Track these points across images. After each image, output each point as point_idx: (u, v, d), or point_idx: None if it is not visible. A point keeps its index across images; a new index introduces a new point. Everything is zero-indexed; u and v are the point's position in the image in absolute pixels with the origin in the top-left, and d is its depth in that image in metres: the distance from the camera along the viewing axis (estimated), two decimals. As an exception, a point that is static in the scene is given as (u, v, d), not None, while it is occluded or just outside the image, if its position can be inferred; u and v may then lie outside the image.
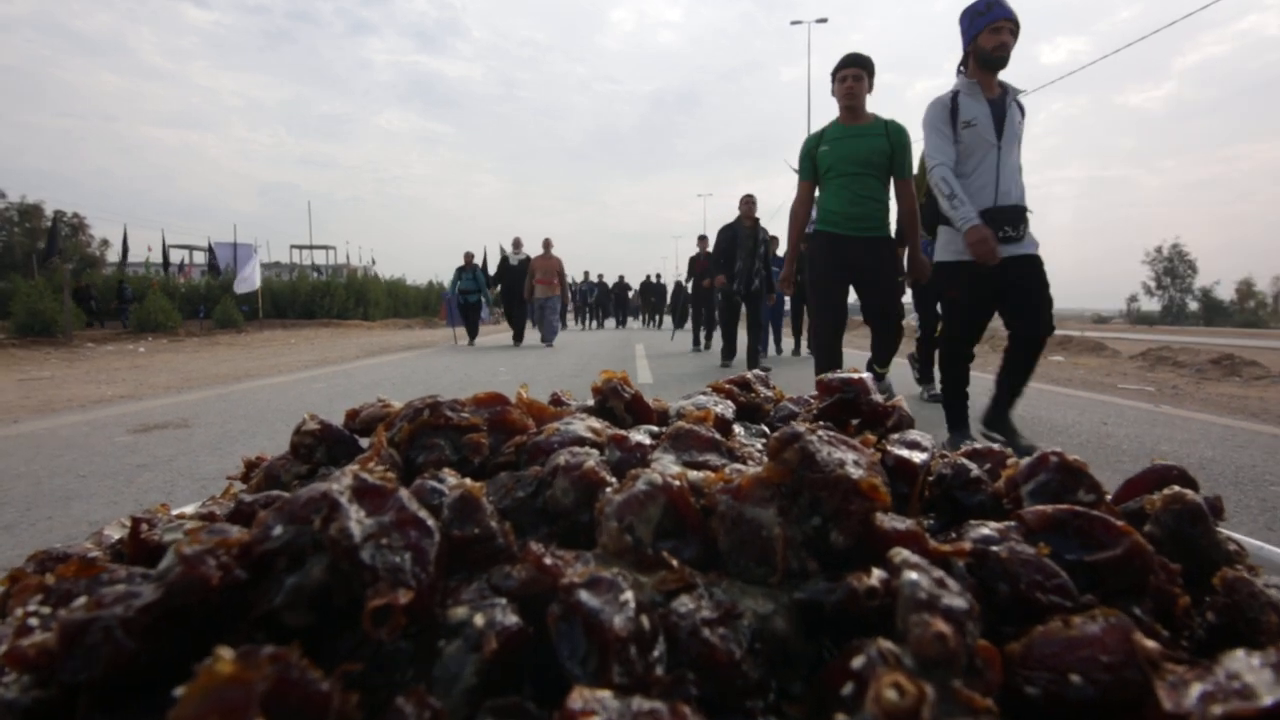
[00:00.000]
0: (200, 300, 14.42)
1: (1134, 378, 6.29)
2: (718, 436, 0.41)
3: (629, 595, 0.26)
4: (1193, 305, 61.31)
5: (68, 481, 2.53)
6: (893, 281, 3.19)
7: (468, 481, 0.34)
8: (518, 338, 11.51)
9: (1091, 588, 0.33)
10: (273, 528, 0.29)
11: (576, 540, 0.35)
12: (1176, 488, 0.39)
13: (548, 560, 0.29)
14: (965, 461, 0.42)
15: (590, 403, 0.51)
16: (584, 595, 0.26)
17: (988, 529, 0.35)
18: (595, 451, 0.37)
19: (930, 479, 0.42)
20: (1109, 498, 0.41)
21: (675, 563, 0.30)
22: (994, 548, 0.33)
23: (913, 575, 0.26)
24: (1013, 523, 0.36)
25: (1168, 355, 7.55)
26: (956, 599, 0.26)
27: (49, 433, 3.50)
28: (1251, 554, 0.42)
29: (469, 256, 12.11)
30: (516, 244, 11.81)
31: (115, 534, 0.47)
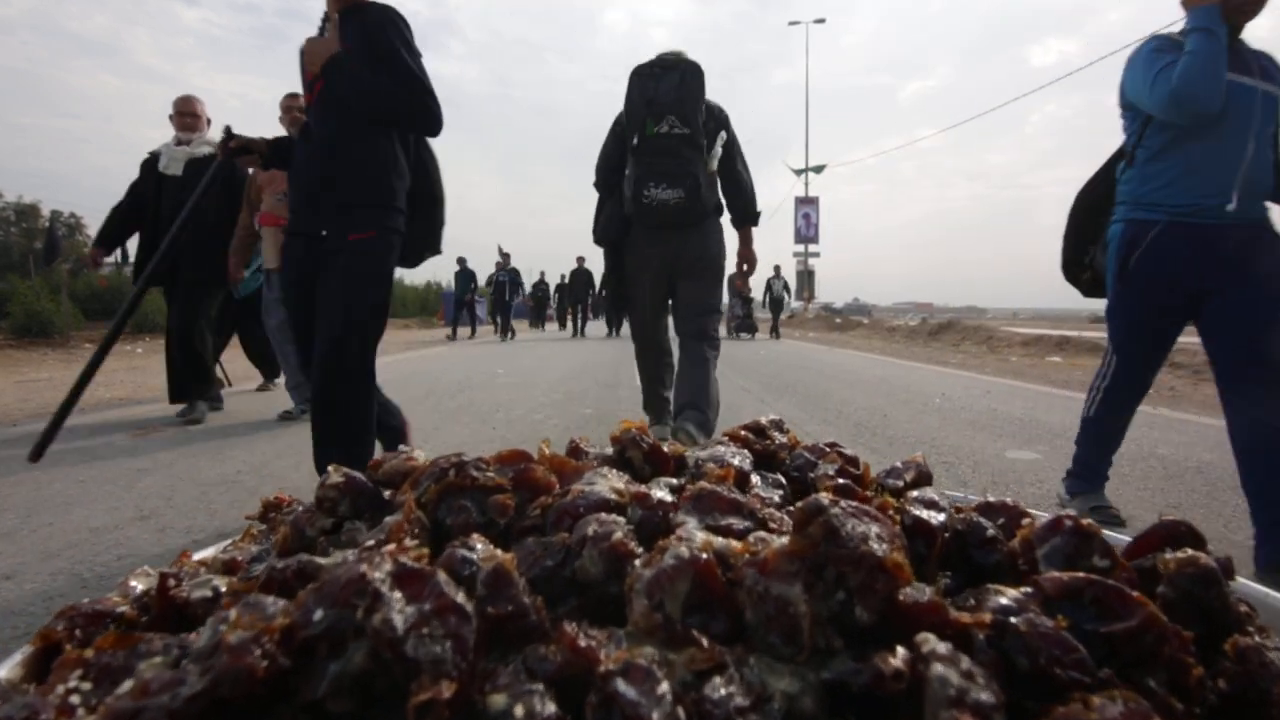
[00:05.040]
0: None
1: (1131, 380, 6.30)
2: (739, 497, 0.41)
3: (665, 687, 0.27)
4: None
5: (67, 487, 2.53)
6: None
7: (499, 553, 0.35)
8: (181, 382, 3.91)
9: (1107, 657, 0.34)
10: (313, 611, 0.29)
11: (605, 610, 0.35)
12: (1190, 550, 0.40)
13: (582, 642, 0.30)
14: (980, 519, 0.43)
15: (609, 451, 0.52)
16: (621, 685, 0.27)
17: (1006, 598, 0.35)
18: (622, 520, 0.38)
19: (946, 535, 0.43)
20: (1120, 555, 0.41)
21: (705, 641, 0.31)
22: (1013, 619, 0.34)
23: (940, 669, 0.27)
24: (1030, 589, 0.36)
25: (1164, 357, 7.57)
26: (983, 693, 0.26)
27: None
28: (1259, 604, 0.43)
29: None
30: (184, 112, 3.98)
31: (140, 584, 0.47)
